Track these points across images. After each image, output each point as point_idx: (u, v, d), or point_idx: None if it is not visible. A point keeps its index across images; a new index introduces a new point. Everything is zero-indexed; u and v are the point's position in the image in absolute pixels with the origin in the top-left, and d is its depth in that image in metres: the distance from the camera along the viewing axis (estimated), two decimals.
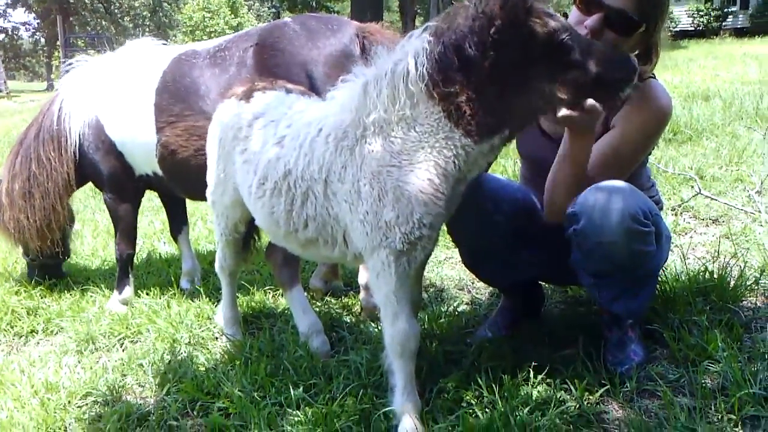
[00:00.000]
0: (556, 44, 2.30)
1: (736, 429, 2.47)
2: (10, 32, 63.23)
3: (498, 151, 2.56)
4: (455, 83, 2.36)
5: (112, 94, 4.35)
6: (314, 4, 43.96)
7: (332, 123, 2.65)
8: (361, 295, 3.96)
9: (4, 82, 36.04)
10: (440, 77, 2.36)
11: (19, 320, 4.45)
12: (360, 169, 2.52)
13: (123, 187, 4.53)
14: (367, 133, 2.52)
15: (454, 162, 2.44)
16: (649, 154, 3.15)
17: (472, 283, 4.30)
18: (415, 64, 2.39)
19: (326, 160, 2.63)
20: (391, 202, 2.47)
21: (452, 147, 2.42)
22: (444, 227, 3.02)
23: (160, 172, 4.29)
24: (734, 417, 2.51)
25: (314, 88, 3.68)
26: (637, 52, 2.85)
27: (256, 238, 3.86)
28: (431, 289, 4.25)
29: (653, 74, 2.93)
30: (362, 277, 3.94)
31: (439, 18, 2.46)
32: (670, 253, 3.32)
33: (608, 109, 2.63)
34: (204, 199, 4.14)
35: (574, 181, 2.78)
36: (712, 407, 2.59)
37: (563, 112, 2.40)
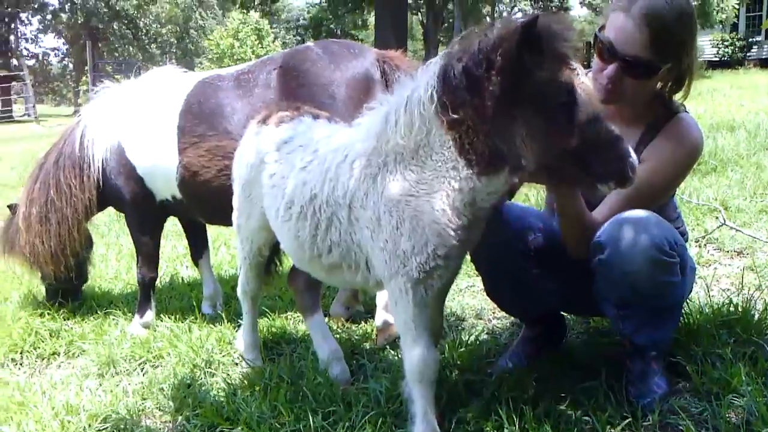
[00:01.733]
0: (556, 95, 2.22)
1: None
2: (40, 57, 64.48)
3: (507, 187, 2.50)
4: (461, 109, 2.32)
5: (134, 119, 4.41)
6: (339, 32, 44.40)
7: (357, 150, 2.67)
8: (377, 319, 3.94)
9: (33, 106, 36.60)
10: (448, 101, 2.33)
11: (42, 342, 4.47)
12: (381, 196, 2.53)
13: (144, 212, 4.57)
14: (388, 160, 2.53)
15: (460, 194, 2.42)
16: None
17: (493, 312, 4.28)
18: (427, 87, 2.39)
19: (350, 186, 2.64)
20: (408, 231, 2.47)
21: (457, 178, 2.40)
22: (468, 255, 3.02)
23: (179, 196, 4.32)
24: None
25: (336, 110, 3.73)
26: (668, 86, 2.86)
27: (278, 262, 3.87)
28: (452, 318, 4.23)
29: (684, 106, 2.92)
30: (379, 299, 3.94)
31: (454, 43, 2.44)
32: (693, 284, 3.30)
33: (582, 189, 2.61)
34: (223, 223, 4.18)
35: (576, 234, 2.81)
36: None
37: None
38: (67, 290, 5.08)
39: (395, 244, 2.51)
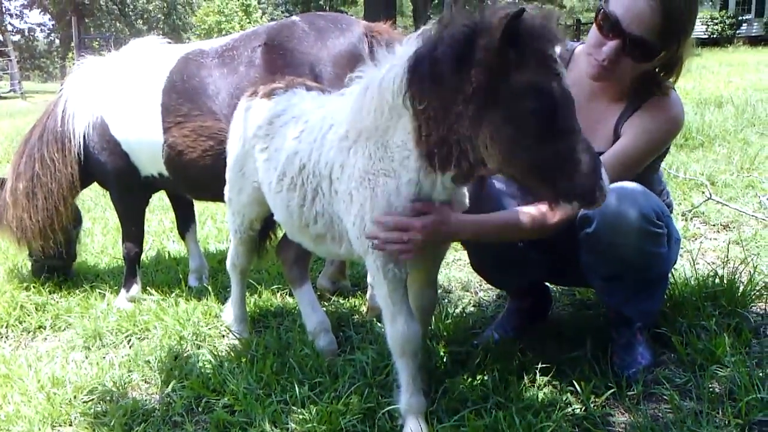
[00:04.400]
0: (525, 99, 2.03)
1: None
2: (26, 33, 63.73)
3: (467, 183, 2.46)
4: (427, 99, 2.20)
5: (117, 94, 4.34)
6: (327, 8, 44.05)
7: (338, 120, 2.65)
8: (368, 293, 3.95)
9: (19, 82, 36.22)
10: (416, 89, 2.21)
11: (28, 316, 4.46)
12: (354, 170, 2.50)
13: (129, 188, 4.53)
14: (360, 137, 2.49)
15: (409, 184, 2.38)
16: (661, 160, 3.12)
17: (480, 284, 4.29)
18: (398, 71, 2.28)
19: (330, 157, 2.63)
20: (369, 211, 2.46)
21: (409, 168, 2.36)
22: None
23: (165, 173, 4.28)
24: (741, 422, 2.48)
25: None
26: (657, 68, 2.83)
27: (272, 235, 3.85)
28: (438, 291, 4.23)
29: (672, 86, 2.89)
30: (370, 277, 3.94)
31: (431, 24, 2.28)
32: (679, 257, 3.31)
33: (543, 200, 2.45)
34: (210, 199, 4.15)
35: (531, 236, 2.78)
36: (719, 412, 2.57)
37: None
38: (56, 267, 5.06)
39: (362, 221, 2.50)
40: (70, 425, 3.11)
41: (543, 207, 2.59)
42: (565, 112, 2.07)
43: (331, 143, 2.64)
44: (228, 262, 3.71)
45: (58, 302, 4.65)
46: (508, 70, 2.03)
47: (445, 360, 3.14)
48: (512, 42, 1.99)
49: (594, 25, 2.76)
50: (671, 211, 3.11)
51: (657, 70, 2.81)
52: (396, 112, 2.33)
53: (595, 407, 2.70)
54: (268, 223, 3.59)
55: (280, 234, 3.90)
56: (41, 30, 66.87)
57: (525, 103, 2.03)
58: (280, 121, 3.02)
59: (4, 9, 55.76)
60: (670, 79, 2.83)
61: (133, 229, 4.64)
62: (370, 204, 2.45)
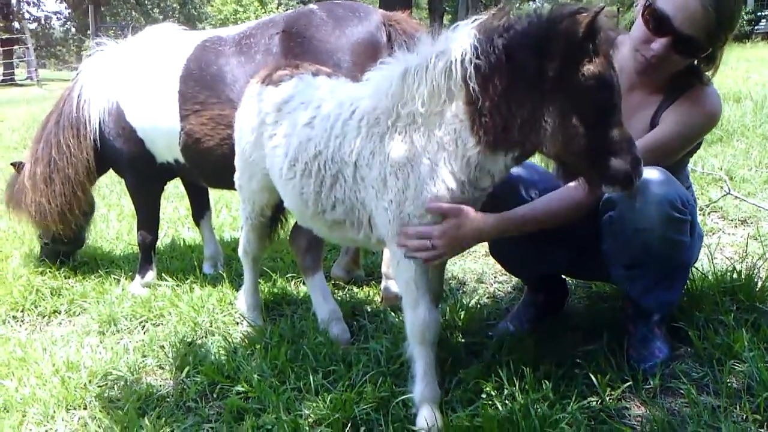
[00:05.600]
0: (591, 90, 2.19)
1: (762, 430, 2.42)
2: (42, 21, 63.95)
3: (507, 171, 2.51)
4: (490, 87, 2.30)
5: (133, 80, 4.34)
6: None
7: (365, 107, 2.63)
8: (382, 284, 3.94)
9: (35, 70, 36.36)
10: (480, 78, 2.30)
11: (43, 300, 4.49)
12: (387, 157, 2.50)
13: (144, 174, 4.54)
14: (399, 123, 2.50)
15: (465, 168, 2.42)
16: (691, 155, 3.10)
17: (495, 276, 4.27)
18: (462, 60, 2.32)
19: (357, 144, 2.61)
20: (412, 197, 2.47)
21: (464, 153, 2.40)
22: None
23: (182, 159, 4.28)
24: (760, 417, 2.46)
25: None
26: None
27: (283, 220, 3.85)
28: (453, 282, 4.23)
29: (709, 79, 2.86)
30: (384, 267, 3.93)
31: (487, 16, 2.38)
32: (700, 251, 3.28)
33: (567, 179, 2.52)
34: (226, 187, 4.15)
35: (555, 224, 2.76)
36: (737, 407, 2.54)
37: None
38: (65, 252, 5.10)
39: (399, 207, 2.50)
40: (85, 409, 3.12)
41: (565, 194, 2.65)
42: (619, 103, 2.25)
43: (356, 130, 2.62)
44: (240, 249, 3.71)
45: (73, 287, 4.67)
46: (582, 62, 2.17)
47: (460, 351, 3.12)
48: (592, 36, 2.15)
49: (640, 19, 2.74)
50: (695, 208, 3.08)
51: (697, 62, 2.80)
52: (450, 96, 2.38)
53: (611, 400, 2.67)
54: (278, 209, 3.58)
55: (290, 220, 3.91)
56: (57, 18, 67.05)
57: (594, 93, 2.18)
58: (288, 107, 3.01)
59: None
60: (709, 72, 2.81)
61: (148, 215, 4.66)
62: (413, 190, 2.46)
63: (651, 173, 2.64)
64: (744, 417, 2.48)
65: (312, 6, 4.18)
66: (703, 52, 2.70)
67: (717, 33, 2.64)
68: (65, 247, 5.07)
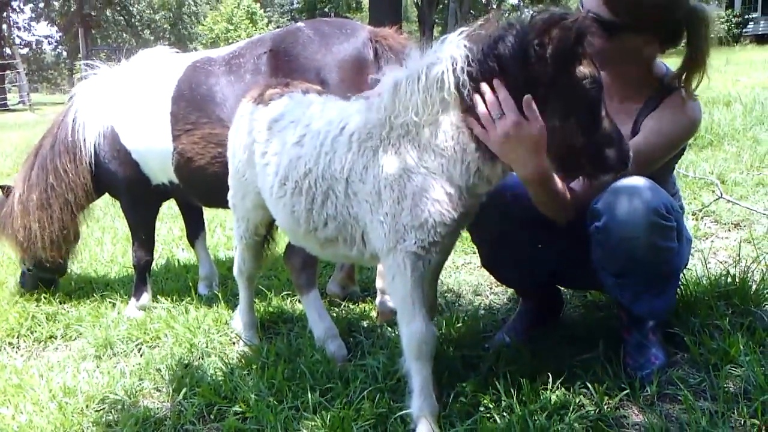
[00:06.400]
0: (584, 91, 2.30)
1: None
2: (33, 46, 64.09)
3: (507, 172, 2.53)
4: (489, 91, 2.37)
5: (126, 103, 4.35)
6: (333, 15, 44.17)
7: (356, 122, 2.65)
8: (378, 299, 3.94)
9: (27, 94, 36.41)
10: (474, 84, 2.36)
11: (39, 326, 4.47)
12: (382, 170, 2.52)
13: (140, 196, 4.54)
14: (392, 135, 2.52)
15: (464, 174, 2.45)
16: (676, 161, 3.12)
17: (490, 288, 4.28)
18: (453, 70, 2.37)
19: (348, 159, 2.62)
20: (409, 207, 2.47)
21: (465, 160, 2.44)
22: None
23: (176, 180, 4.29)
24: (757, 422, 2.45)
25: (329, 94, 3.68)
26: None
27: (271, 240, 3.85)
28: (449, 294, 4.23)
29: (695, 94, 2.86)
30: (379, 282, 3.93)
31: (474, 26, 2.43)
32: (690, 256, 3.29)
33: (569, 176, 2.66)
34: (219, 206, 4.16)
35: (553, 209, 2.76)
36: (735, 412, 2.54)
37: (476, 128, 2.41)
38: (47, 279, 5.07)
39: (394, 219, 2.51)
40: None
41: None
42: (604, 97, 2.38)
43: (347, 145, 2.63)
44: (235, 269, 3.71)
45: (68, 312, 4.65)
46: (575, 64, 2.28)
47: (456, 364, 3.12)
48: (581, 40, 2.26)
49: None
50: (682, 212, 3.09)
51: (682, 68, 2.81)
52: (444, 105, 2.42)
53: (609, 408, 2.67)
54: (272, 228, 3.59)
55: (279, 238, 3.91)
56: (48, 42, 67.35)
57: (587, 91, 2.30)
58: (278, 126, 3.02)
59: (12, 22, 56.15)
60: (693, 82, 2.83)
61: (143, 237, 4.65)
62: (410, 200, 2.46)
63: (634, 182, 2.66)
64: (742, 422, 2.48)
65: (299, 24, 4.19)
66: (616, 30, 2.68)
67: (616, 5, 2.67)
68: (48, 274, 5.03)
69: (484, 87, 2.37)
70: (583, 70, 2.29)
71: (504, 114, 2.34)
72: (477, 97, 2.37)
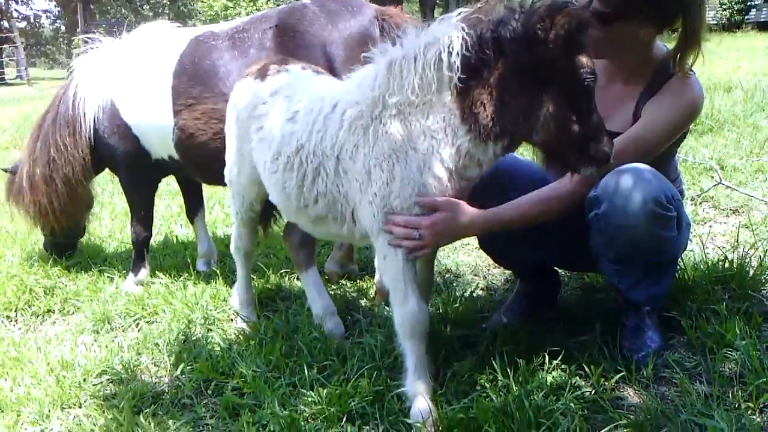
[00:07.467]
0: (582, 79, 2.31)
1: (754, 417, 2.43)
2: (31, 20, 63.67)
3: (499, 156, 2.53)
4: (480, 78, 2.37)
5: (127, 77, 4.34)
6: None
7: (348, 100, 2.64)
8: (376, 278, 3.95)
9: (25, 69, 36.26)
10: (470, 69, 2.36)
11: (37, 300, 4.48)
12: (372, 149, 2.52)
13: (139, 171, 4.54)
14: (384, 113, 2.51)
15: (454, 156, 2.45)
16: (678, 145, 3.11)
17: (488, 269, 4.28)
18: (449, 52, 2.36)
19: (339, 137, 2.62)
20: (398, 189, 2.48)
21: (454, 141, 2.43)
22: None
23: (176, 156, 4.27)
24: (752, 405, 2.48)
25: (333, 70, 3.66)
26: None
27: (276, 216, 3.84)
28: (447, 275, 4.24)
29: (692, 70, 2.86)
30: (380, 257, 3.93)
31: (473, 8, 2.43)
32: (689, 241, 3.29)
33: (554, 168, 2.66)
34: (220, 183, 4.15)
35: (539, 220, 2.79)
36: (730, 395, 2.56)
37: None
38: (65, 245, 5.17)
39: (384, 199, 2.51)
40: (80, 407, 3.12)
41: (547, 192, 2.75)
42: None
43: (339, 123, 2.63)
44: (232, 245, 3.71)
45: (66, 286, 4.66)
46: (575, 53, 2.29)
47: (454, 343, 3.13)
48: (585, 28, 2.29)
49: None
50: (682, 198, 3.09)
51: (677, 48, 2.78)
52: (439, 86, 2.41)
53: (605, 390, 2.69)
54: (269, 206, 3.59)
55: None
56: (47, 16, 66.87)
57: (585, 81, 2.31)
58: (273, 101, 3.02)
59: None
60: (688, 61, 2.80)
61: (142, 213, 4.65)
62: (399, 182, 2.47)
63: (636, 169, 2.66)
64: (737, 405, 2.50)
65: (305, 1, 4.16)
66: (607, 18, 2.70)
67: None
68: (66, 240, 5.13)
69: (396, 218, 2.50)
70: (583, 59, 2.30)
71: (418, 228, 2.49)
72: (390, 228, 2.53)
